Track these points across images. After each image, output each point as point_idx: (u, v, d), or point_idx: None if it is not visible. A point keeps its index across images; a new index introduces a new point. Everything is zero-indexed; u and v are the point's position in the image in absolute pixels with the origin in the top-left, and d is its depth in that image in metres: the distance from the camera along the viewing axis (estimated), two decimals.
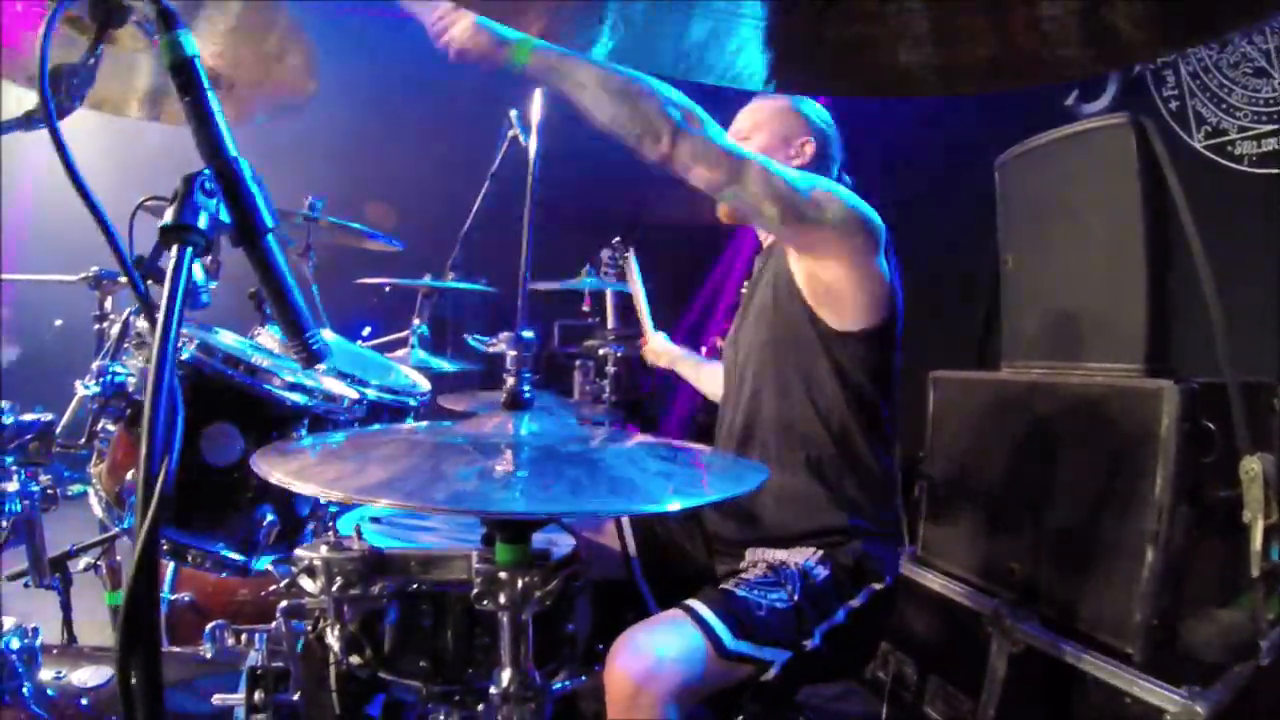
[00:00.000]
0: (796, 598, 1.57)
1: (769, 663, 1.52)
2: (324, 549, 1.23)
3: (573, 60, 1.49)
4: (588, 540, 1.84)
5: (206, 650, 1.40)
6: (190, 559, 1.61)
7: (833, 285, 1.68)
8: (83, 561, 2.03)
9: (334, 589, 1.22)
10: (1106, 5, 1.08)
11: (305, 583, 1.24)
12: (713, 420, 2.01)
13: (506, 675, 1.03)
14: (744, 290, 2.12)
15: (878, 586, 1.67)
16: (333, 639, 1.28)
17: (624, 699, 1.38)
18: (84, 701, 1.31)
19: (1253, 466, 1.72)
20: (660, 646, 1.43)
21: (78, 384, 1.70)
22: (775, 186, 1.55)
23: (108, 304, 2.40)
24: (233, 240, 0.76)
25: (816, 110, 1.94)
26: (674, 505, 0.93)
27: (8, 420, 1.41)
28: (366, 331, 3.45)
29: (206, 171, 0.75)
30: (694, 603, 1.52)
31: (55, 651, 1.41)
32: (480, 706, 1.29)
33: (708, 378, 2.45)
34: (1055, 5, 1.10)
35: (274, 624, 1.26)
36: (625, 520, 1.87)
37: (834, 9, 1.17)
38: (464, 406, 2.20)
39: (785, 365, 1.76)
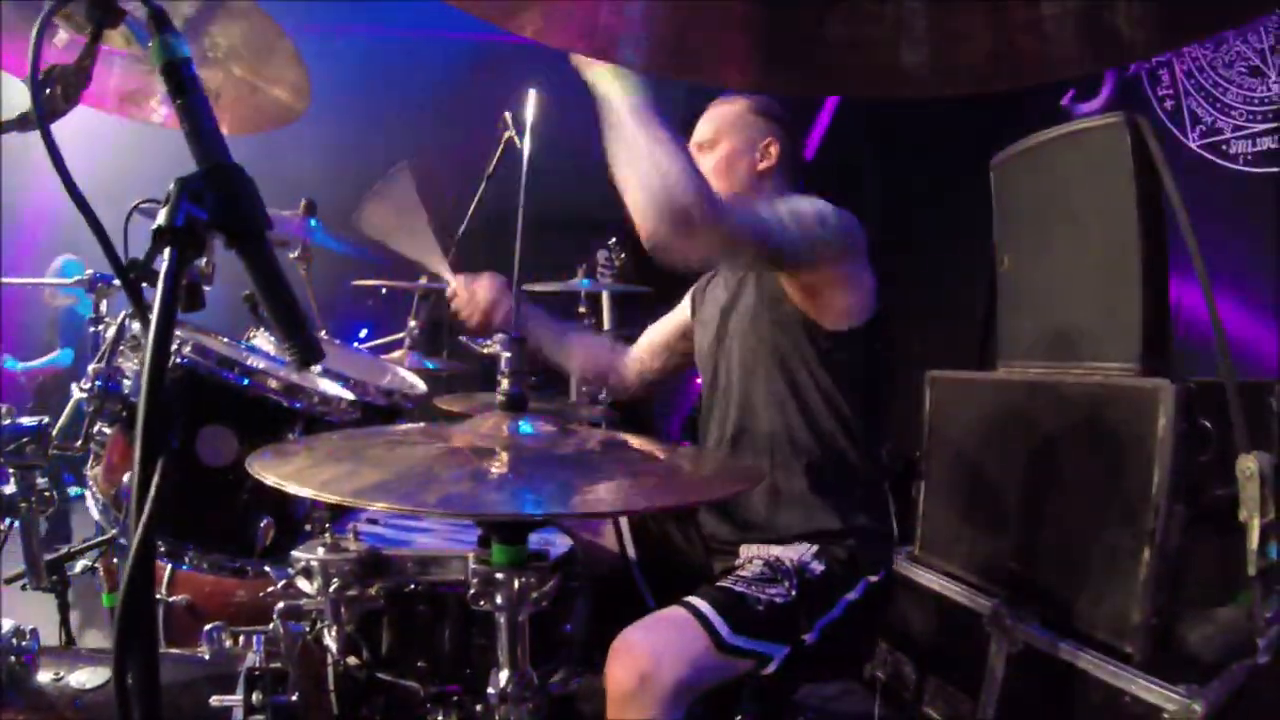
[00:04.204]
0: (794, 593, 1.58)
1: (769, 657, 1.53)
2: (320, 550, 1.23)
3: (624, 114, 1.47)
4: (586, 541, 1.84)
5: (204, 652, 1.39)
6: (187, 560, 1.61)
7: (825, 293, 1.72)
8: (80, 564, 2.02)
9: (331, 590, 1.22)
10: (1105, 4, 1.08)
11: (302, 584, 1.24)
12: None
13: (504, 676, 1.03)
14: (699, 291, 2.10)
15: (873, 579, 1.68)
16: (330, 640, 1.28)
17: (624, 697, 1.38)
18: (82, 703, 1.31)
19: (1249, 465, 1.72)
20: (659, 643, 1.44)
21: (74, 386, 1.70)
22: (779, 255, 1.61)
23: (103, 307, 2.40)
24: (226, 243, 0.76)
25: (779, 110, 1.93)
26: (664, 505, 0.93)
27: (5, 422, 1.41)
28: (363, 333, 3.45)
29: (199, 173, 0.75)
30: (692, 599, 1.52)
31: (53, 654, 1.40)
32: (478, 707, 1.29)
33: (578, 347, 2.25)
34: (1054, 4, 1.10)
35: (271, 625, 1.26)
36: (624, 521, 1.87)
37: (834, 9, 1.18)
38: (460, 408, 2.20)
39: (777, 368, 1.76)
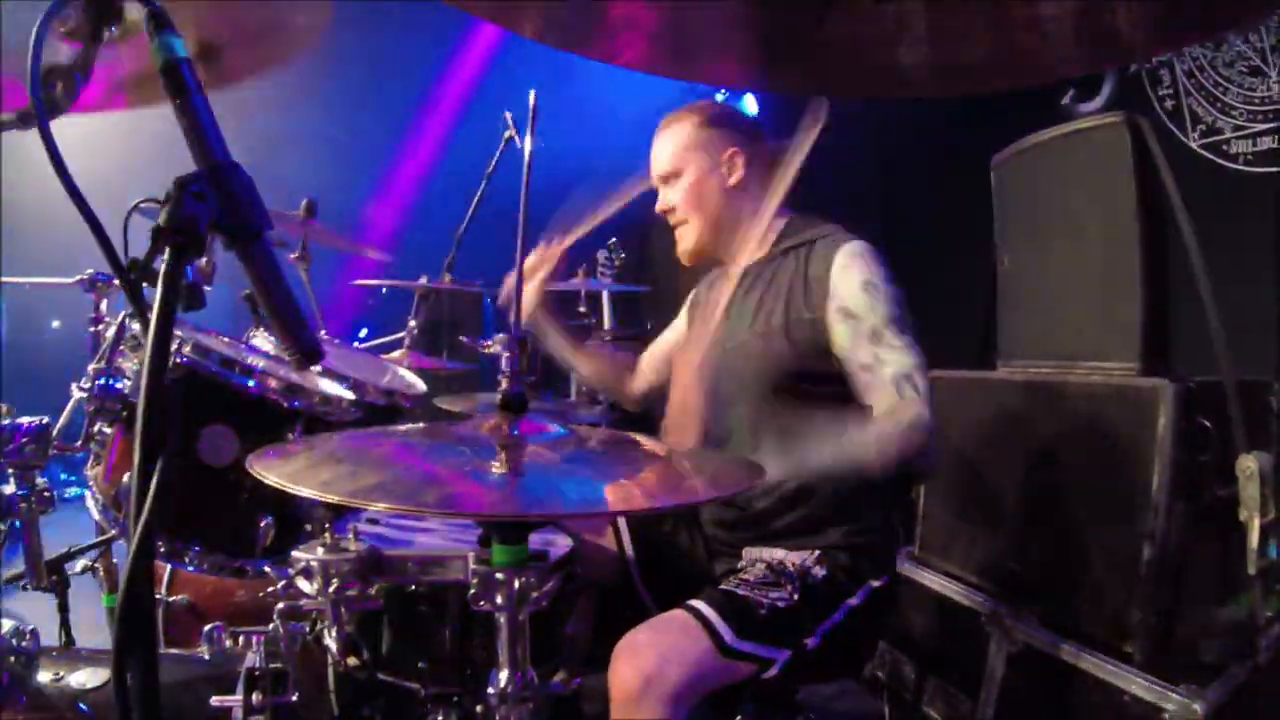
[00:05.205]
0: (796, 597, 1.57)
1: (770, 661, 1.53)
2: (321, 550, 1.23)
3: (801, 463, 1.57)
4: (587, 541, 1.84)
5: (204, 652, 1.39)
6: (187, 560, 1.61)
7: None
8: (80, 564, 2.02)
9: (331, 590, 1.22)
10: (1104, 5, 1.08)
11: (302, 584, 1.24)
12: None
13: (504, 676, 1.03)
14: (696, 300, 2.08)
15: (876, 584, 1.67)
16: (330, 640, 1.28)
17: (628, 700, 1.38)
18: (82, 704, 1.31)
19: (1249, 465, 1.72)
20: (663, 647, 1.43)
21: (74, 386, 1.70)
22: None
23: (103, 306, 2.40)
24: (225, 243, 0.76)
25: (729, 113, 1.87)
26: (666, 504, 0.93)
27: (4, 422, 1.41)
28: (363, 333, 3.45)
29: (199, 173, 0.75)
30: (696, 603, 1.52)
31: (53, 654, 1.41)
32: (478, 708, 1.29)
33: (589, 359, 2.21)
34: (1053, 5, 1.10)
35: (271, 625, 1.26)
36: (622, 522, 1.86)
37: (834, 9, 1.18)
38: (461, 408, 2.20)
39: (787, 379, 1.72)
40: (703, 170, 1.81)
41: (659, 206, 1.89)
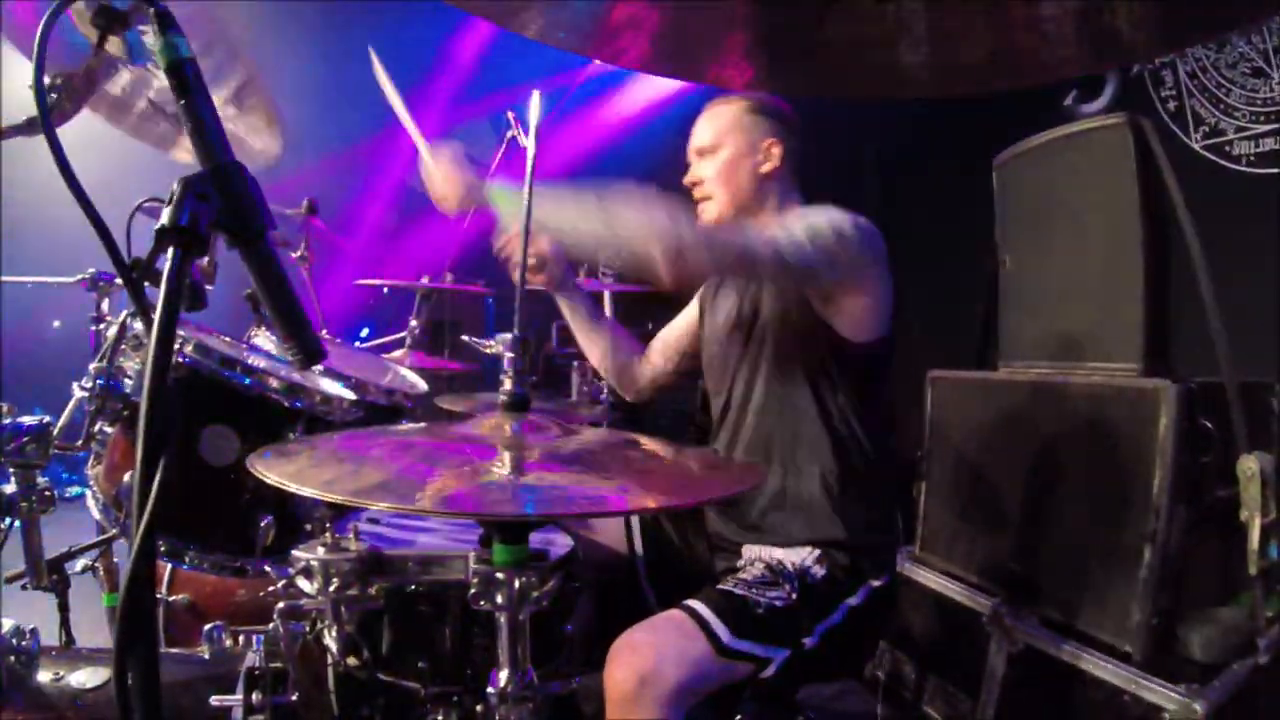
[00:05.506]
0: (794, 596, 1.57)
1: (768, 660, 1.52)
2: (321, 550, 1.23)
3: (549, 209, 1.54)
4: (588, 540, 1.84)
5: (204, 651, 1.40)
6: (187, 560, 1.61)
7: (844, 303, 1.69)
8: (80, 563, 2.02)
9: (331, 590, 1.22)
10: (1105, 5, 1.09)
11: (303, 584, 1.24)
12: (710, 420, 2.00)
13: (504, 675, 1.03)
14: (707, 294, 2.08)
15: (875, 584, 1.67)
16: (330, 640, 1.28)
17: (624, 700, 1.38)
18: (82, 704, 1.31)
19: (1250, 465, 1.72)
20: (660, 646, 1.43)
21: (75, 386, 1.70)
22: (790, 267, 1.58)
23: (105, 306, 2.40)
24: (228, 243, 0.76)
25: (778, 107, 1.90)
26: (668, 505, 0.93)
27: (5, 421, 1.41)
28: (365, 333, 3.45)
29: (203, 173, 0.75)
30: (692, 602, 1.52)
31: (54, 653, 1.40)
32: (479, 707, 1.29)
33: (603, 339, 2.17)
34: (1054, 5, 1.11)
35: (271, 625, 1.26)
36: (635, 520, 1.86)
37: (834, 9, 1.18)
38: (462, 407, 2.20)
39: (793, 376, 1.74)
40: (740, 151, 1.85)
41: (688, 178, 1.93)
